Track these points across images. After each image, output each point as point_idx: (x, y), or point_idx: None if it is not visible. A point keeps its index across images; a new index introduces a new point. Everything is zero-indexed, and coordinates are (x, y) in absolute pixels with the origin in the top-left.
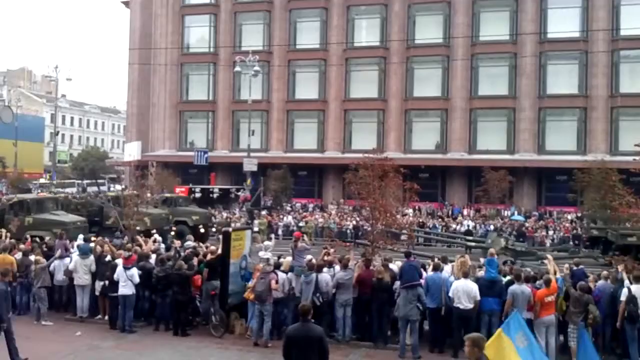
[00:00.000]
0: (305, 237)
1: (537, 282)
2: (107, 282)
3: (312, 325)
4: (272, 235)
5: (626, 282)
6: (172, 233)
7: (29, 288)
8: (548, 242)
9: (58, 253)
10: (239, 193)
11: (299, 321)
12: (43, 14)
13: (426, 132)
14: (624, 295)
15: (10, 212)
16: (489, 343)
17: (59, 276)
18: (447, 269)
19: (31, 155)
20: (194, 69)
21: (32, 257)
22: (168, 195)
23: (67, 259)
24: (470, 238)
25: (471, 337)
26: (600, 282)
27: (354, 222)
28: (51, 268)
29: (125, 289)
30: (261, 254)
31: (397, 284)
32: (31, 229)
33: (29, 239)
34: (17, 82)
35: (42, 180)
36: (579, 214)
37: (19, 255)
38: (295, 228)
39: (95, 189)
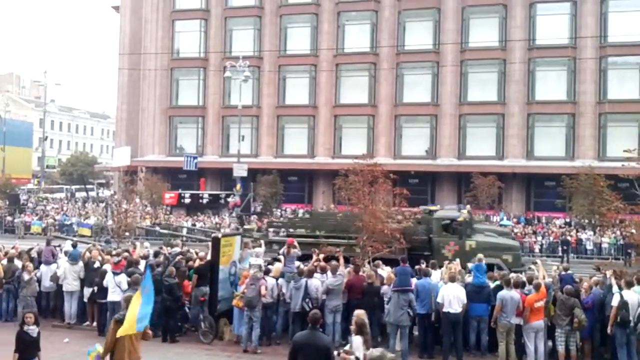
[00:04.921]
0: (296, 244)
1: (526, 287)
2: (96, 288)
3: (320, 334)
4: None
5: (614, 287)
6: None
7: (16, 294)
8: (537, 248)
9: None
10: (229, 199)
11: (307, 329)
12: (32, 18)
13: (416, 138)
14: (615, 301)
15: (442, 234)
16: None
17: (47, 282)
18: (436, 275)
19: (19, 160)
20: (184, 74)
21: (18, 263)
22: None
23: (54, 265)
24: None
25: None
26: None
27: None
28: (38, 274)
29: (114, 295)
30: (252, 260)
31: (385, 288)
32: (472, 254)
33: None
34: (6, 86)
35: (30, 186)
36: (568, 220)
37: (4, 261)
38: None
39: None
